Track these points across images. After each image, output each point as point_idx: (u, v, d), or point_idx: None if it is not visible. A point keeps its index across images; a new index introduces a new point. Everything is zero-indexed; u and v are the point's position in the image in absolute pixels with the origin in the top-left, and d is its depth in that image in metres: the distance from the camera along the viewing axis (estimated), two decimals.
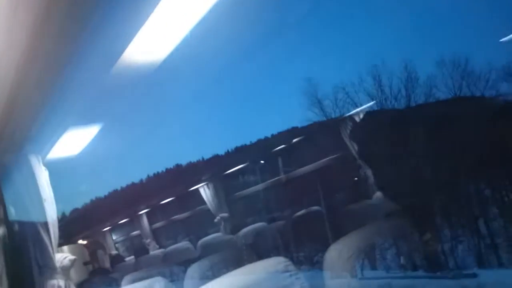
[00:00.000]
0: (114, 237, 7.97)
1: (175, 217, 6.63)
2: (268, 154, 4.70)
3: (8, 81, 1.51)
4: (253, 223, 4.71)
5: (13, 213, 2.77)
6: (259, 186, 4.79)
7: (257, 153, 4.93)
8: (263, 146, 4.86)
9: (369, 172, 3.25)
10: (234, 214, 5.21)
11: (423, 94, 2.97)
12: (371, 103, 3.13)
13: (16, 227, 2.77)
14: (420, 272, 2.34)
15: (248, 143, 5.46)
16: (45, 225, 2.56)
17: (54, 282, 2.61)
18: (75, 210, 8.36)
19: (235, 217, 5.17)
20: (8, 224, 2.72)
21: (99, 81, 2.13)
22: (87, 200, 8.55)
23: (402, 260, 2.40)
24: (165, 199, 6.66)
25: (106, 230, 7.79)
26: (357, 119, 3.11)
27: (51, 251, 2.60)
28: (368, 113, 3.10)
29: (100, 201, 8.60)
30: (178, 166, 7.78)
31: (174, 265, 3.79)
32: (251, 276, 1.55)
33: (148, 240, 6.74)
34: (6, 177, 2.72)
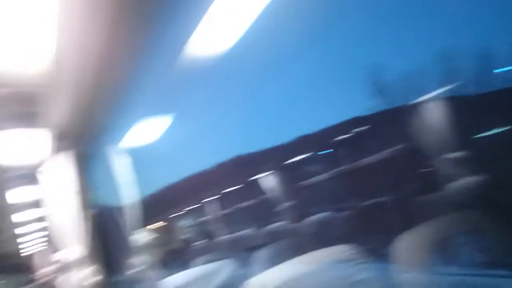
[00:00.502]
0: (186, 222, 8.45)
1: (242, 204, 6.83)
2: (332, 143, 4.62)
3: (89, 78, 1.67)
4: (317, 212, 4.69)
5: (97, 198, 3.08)
6: (323, 176, 4.74)
7: (320, 142, 4.87)
8: (326, 136, 4.78)
9: (440, 162, 3.04)
10: (298, 203, 5.23)
11: (499, 80, 2.68)
12: (439, 90, 2.91)
13: (100, 211, 3.08)
14: (501, 271, 2.16)
15: (311, 132, 5.42)
16: (125, 208, 2.81)
17: (133, 260, 2.88)
18: (152, 195, 9.04)
19: (299, 206, 5.18)
20: (93, 208, 3.04)
21: (170, 74, 2.26)
22: (163, 186, 9.23)
23: (479, 257, 2.23)
24: (232, 187, 6.89)
25: (179, 215, 8.31)
26: (424, 107, 2.91)
27: (130, 232, 2.86)
28: (437, 101, 2.89)
29: (173, 188, 9.22)
30: (245, 155, 8.00)
31: (241, 251, 3.93)
32: (315, 263, 1.56)
33: (217, 226, 7.04)
34: (90, 165, 3.03)
